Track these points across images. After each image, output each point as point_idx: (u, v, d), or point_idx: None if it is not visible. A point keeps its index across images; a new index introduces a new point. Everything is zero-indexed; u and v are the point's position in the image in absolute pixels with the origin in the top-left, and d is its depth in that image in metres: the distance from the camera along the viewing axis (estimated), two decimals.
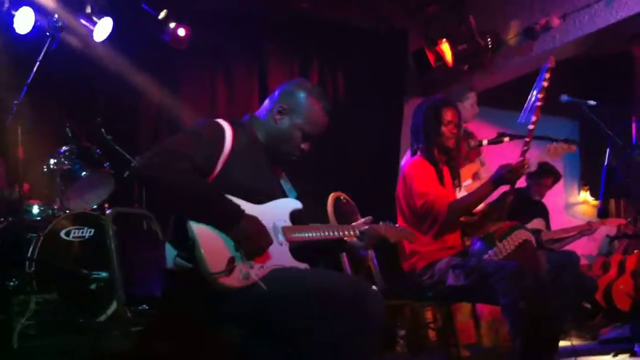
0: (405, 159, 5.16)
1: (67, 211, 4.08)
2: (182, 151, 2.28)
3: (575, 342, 3.59)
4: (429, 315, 5.04)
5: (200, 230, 2.20)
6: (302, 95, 2.54)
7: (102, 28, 5.30)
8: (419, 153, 3.54)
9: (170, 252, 2.29)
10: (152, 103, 5.74)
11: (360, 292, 2.23)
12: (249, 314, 2.28)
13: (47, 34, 4.26)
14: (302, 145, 2.55)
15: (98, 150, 4.51)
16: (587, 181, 8.04)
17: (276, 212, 2.47)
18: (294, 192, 2.68)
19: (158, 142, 5.66)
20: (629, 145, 3.93)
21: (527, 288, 3.02)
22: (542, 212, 5.47)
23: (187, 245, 2.21)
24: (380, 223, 2.71)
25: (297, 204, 2.57)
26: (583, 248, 5.84)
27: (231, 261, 2.20)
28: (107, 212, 2.60)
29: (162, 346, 2.49)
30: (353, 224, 2.69)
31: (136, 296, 3.12)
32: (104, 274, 3.99)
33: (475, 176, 4.71)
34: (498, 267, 3.11)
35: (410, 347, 4.92)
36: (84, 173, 4.32)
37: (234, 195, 2.32)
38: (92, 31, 5.28)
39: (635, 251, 6.03)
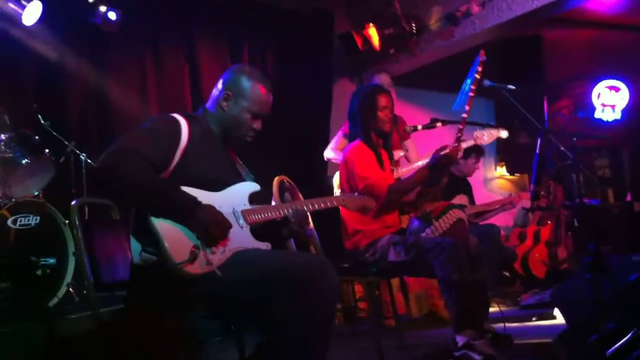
0: (334, 140, 5.37)
1: (13, 200, 4.07)
2: (136, 149, 2.37)
3: (499, 308, 3.91)
4: (358, 289, 5.33)
5: (160, 224, 2.33)
6: (243, 79, 2.70)
7: (32, 11, 5.20)
8: (358, 138, 3.74)
9: (135, 246, 2.41)
10: (81, 87, 5.70)
11: (316, 269, 2.36)
12: (214, 298, 2.41)
13: None
14: (254, 125, 2.71)
15: (37, 137, 4.48)
16: (503, 157, 8.49)
17: (235, 197, 2.61)
18: (251, 175, 2.83)
19: (86, 126, 5.69)
20: (542, 122, 4.28)
21: (461, 261, 3.30)
22: (466, 189, 5.80)
23: (151, 239, 2.33)
24: (339, 193, 2.88)
25: (255, 187, 2.72)
26: (500, 220, 6.23)
27: (193, 249, 2.33)
28: (73, 202, 2.68)
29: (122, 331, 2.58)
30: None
31: (103, 282, 3.20)
32: (51, 260, 4.04)
33: (403, 160, 4.96)
34: (435, 243, 3.36)
35: (345, 319, 5.22)
36: (24, 160, 4.31)
37: (192, 186, 2.45)
38: (20, 15, 5.18)
39: (549, 222, 6.49)
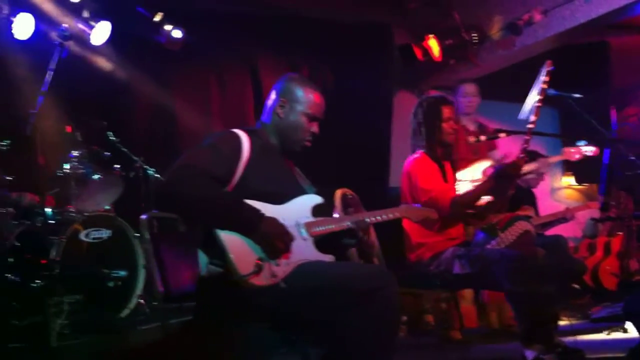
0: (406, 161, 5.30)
1: (85, 214, 4.22)
2: (199, 165, 2.44)
3: (569, 321, 3.82)
4: (423, 302, 5.27)
5: (226, 237, 2.38)
6: (294, 85, 2.77)
7: (100, 32, 5.40)
8: (421, 150, 3.73)
9: (202, 259, 2.48)
10: (147, 104, 5.87)
11: (379, 281, 2.35)
12: (279, 310, 2.44)
13: (57, 43, 4.35)
14: (312, 129, 2.76)
15: (107, 153, 4.65)
16: (570, 166, 8.27)
17: (297, 209, 2.65)
18: (312, 188, 2.87)
19: (153, 142, 5.86)
20: (609, 131, 4.18)
21: (528, 274, 3.23)
22: (530, 199, 5.69)
23: (217, 252, 2.39)
24: (402, 205, 2.90)
25: (317, 199, 2.75)
26: (568, 231, 6.08)
27: (258, 262, 2.37)
28: (143, 216, 2.76)
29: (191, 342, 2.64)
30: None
31: (172, 293, 3.26)
32: (122, 273, 4.17)
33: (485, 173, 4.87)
34: (501, 255, 3.32)
35: (410, 332, 5.17)
36: (96, 176, 4.48)
37: (255, 199, 2.50)
38: (89, 35, 5.38)
39: (619, 233, 6.29)
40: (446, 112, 3.70)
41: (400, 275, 3.40)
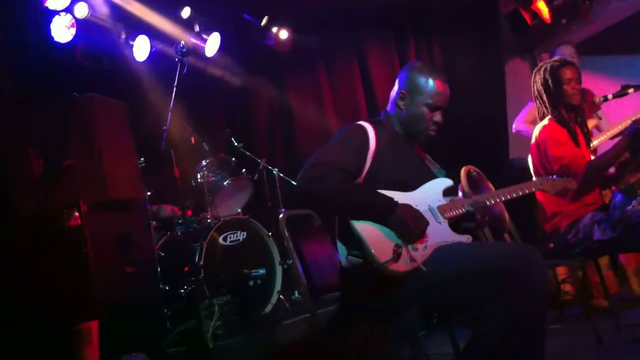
0: (523, 112, 5.14)
1: (222, 219, 4.43)
2: (333, 161, 2.51)
3: None
4: (560, 272, 5.09)
5: (362, 227, 2.43)
6: (415, 75, 2.75)
7: (212, 43, 5.63)
8: (549, 117, 3.62)
9: (342, 251, 2.54)
10: (264, 106, 6.06)
11: (525, 261, 2.31)
12: (423, 294, 2.45)
13: (176, 60, 4.57)
14: (435, 118, 2.74)
15: (233, 159, 4.84)
16: None
17: (429, 194, 2.66)
18: (442, 171, 2.87)
19: (273, 142, 6.04)
20: None
21: None
22: None
23: (354, 242, 2.45)
24: (535, 178, 2.83)
25: (448, 182, 2.74)
26: None
27: (396, 248, 2.40)
28: (280, 216, 2.88)
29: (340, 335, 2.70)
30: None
31: (315, 287, 3.38)
32: (261, 271, 4.35)
33: (594, 130, 4.71)
34: None
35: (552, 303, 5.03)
36: (226, 182, 4.68)
37: (386, 188, 2.54)
38: (203, 48, 5.61)
39: None
40: (567, 73, 3.57)
41: (539, 248, 3.35)
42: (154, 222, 4.39)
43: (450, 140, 5.84)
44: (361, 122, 2.72)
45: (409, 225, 2.44)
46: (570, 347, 3.48)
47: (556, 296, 5.13)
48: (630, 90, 3.64)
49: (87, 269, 3.27)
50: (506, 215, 3.85)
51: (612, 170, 3.46)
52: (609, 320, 3.81)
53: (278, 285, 4.46)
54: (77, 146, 3.57)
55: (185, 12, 5.45)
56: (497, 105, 6.60)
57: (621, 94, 3.67)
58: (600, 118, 4.78)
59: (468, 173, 4.03)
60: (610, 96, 3.78)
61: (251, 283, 4.37)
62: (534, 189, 2.86)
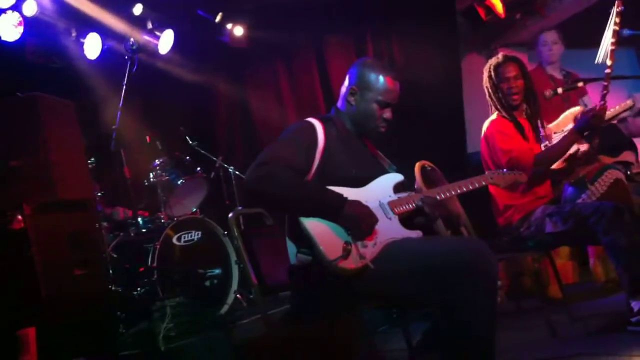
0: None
1: (176, 218, 4.36)
2: (280, 159, 2.48)
3: None
4: (517, 264, 5.13)
5: (311, 224, 2.41)
6: (365, 71, 2.72)
7: (165, 40, 5.55)
8: (496, 112, 3.64)
9: (291, 248, 2.52)
10: (223, 103, 6.00)
11: (472, 254, 2.31)
12: (373, 291, 2.44)
13: (126, 57, 4.49)
14: (384, 115, 2.71)
15: (188, 158, 4.77)
16: None
17: (380, 189, 2.64)
18: (393, 166, 2.85)
19: (232, 139, 5.98)
20: None
21: (626, 224, 3.11)
22: (632, 145, 5.38)
23: (304, 240, 2.42)
24: (487, 172, 2.84)
25: (398, 177, 2.72)
26: None
27: (345, 245, 2.38)
28: (230, 215, 2.83)
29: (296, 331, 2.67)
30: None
31: (267, 285, 3.35)
32: (217, 271, 4.29)
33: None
34: (594, 208, 3.20)
35: (509, 297, 5.07)
36: (180, 181, 4.61)
37: (336, 184, 2.51)
38: (156, 45, 5.53)
39: None
40: (506, 71, 3.60)
41: (492, 241, 3.36)
42: (106, 224, 4.31)
43: (405, 135, 5.93)
44: (309, 119, 2.69)
45: (358, 222, 2.42)
46: (525, 340, 3.50)
47: (512, 289, 5.18)
48: (580, 84, 3.67)
49: (33, 272, 3.18)
50: (460, 208, 3.87)
51: (562, 164, 3.48)
52: (564, 310, 3.86)
53: (235, 285, 4.41)
54: (23, 147, 3.47)
55: (137, 9, 5.36)
56: (454, 99, 6.64)
57: (572, 87, 3.71)
58: (586, 105, 4.79)
59: (422, 168, 4.02)
60: (560, 90, 3.79)
61: (207, 283, 4.32)
62: (484, 183, 2.85)
